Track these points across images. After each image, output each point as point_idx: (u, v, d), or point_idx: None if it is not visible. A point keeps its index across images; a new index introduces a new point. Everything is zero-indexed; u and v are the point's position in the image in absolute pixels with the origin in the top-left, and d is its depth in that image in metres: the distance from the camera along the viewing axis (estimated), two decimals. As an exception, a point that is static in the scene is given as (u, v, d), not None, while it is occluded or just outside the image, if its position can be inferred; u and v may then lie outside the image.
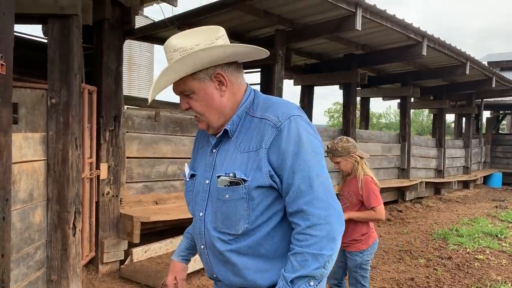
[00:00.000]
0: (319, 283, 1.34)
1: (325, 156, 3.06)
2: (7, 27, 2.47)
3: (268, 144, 1.36)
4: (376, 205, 3.11)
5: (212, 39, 1.38)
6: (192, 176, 1.57)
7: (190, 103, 1.45)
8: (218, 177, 1.41)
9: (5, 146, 2.48)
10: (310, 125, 1.42)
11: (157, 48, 16.62)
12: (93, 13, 4.25)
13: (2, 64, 2.28)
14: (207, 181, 1.48)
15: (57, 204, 3.36)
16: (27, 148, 3.10)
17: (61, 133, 3.34)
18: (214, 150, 1.50)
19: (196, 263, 4.15)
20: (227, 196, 1.39)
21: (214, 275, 1.52)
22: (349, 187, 3.22)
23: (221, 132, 1.46)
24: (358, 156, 3.19)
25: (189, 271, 4.25)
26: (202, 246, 1.51)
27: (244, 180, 1.37)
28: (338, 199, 3.03)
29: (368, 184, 3.13)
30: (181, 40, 1.38)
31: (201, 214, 1.49)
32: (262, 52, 1.45)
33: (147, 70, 16.11)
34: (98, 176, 4.27)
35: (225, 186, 1.39)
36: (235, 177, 1.38)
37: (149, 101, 1.39)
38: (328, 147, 3.18)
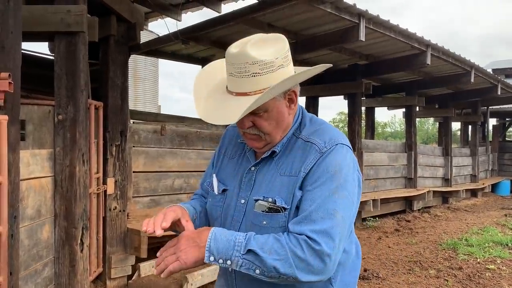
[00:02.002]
0: (261, 274, 1.21)
1: None
2: (15, 46, 2.50)
3: (308, 168, 1.29)
4: None
5: (285, 51, 1.30)
6: (223, 190, 1.46)
7: (258, 122, 1.33)
8: (256, 200, 1.33)
9: (13, 164, 2.49)
10: (353, 158, 1.36)
11: (162, 62, 16.74)
12: (98, 30, 4.29)
13: (10, 83, 2.29)
14: (243, 201, 1.39)
15: (65, 220, 3.36)
16: (35, 165, 3.11)
17: (68, 149, 3.36)
18: (253, 169, 1.41)
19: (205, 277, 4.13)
20: (264, 222, 1.31)
21: None
22: None
23: (269, 153, 1.38)
24: None
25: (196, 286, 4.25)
26: (230, 269, 1.40)
27: (285, 209, 1.29)
28: None
29: None
30: (256, 50, 1.25)
31: None
32: (328, 66, 1.39)
33: (152, 83, 16.21)
34: (105, 191, 4.27)
35: (263, 211, 1.31)
36: (275, 203, 1.30)
37: (236, 120, 1.27)
38: None
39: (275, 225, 1.30)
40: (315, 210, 1.23)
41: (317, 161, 1.29)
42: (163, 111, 12.78)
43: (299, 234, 1.22)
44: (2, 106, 2.34)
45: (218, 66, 1.46)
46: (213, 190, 1.49)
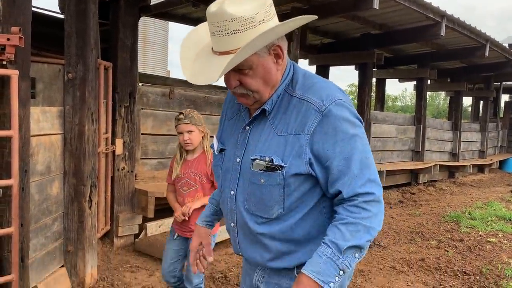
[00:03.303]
0: (360, 256, 1.31)
1: (176, 124, 2.87)
2: (25, 0, 2.49)
3: (311, 130, 1.29)
4: None
5: (267, 5, 1.27)
6: (221, 150, 1.51)
7: (244, 80, 1.32)
8: (253, 160, 1.35)
9: (24, 119, 2.53)
10: (353, 109, 1.36)
11: (172, 26, 16.56)
12: (109, -11, 4.26)
13: (20, 37, 2.30)
14: (238, 160, 1.43)
15: (74, 177, 3.42)
16: (45, 122, 3.15)
17: (78, 107, 3.39)
18: (248, 128, 1.43)
19: (223, 232, 4.24)
20: (262, 180, 1.34)
21: (240, 253, 1.51)
22: (195, 167, 2.89)
23: (259, 111, 1.39)
24: (205, 131, 2.93)
25: (217, 241, 4.39)
26: (232, 224, 1.48)
27: (282, 167, 1.31)
28: (181, 182, 2.89)
29: None
30: (235, 7, 1.22)
31: (232, 192, 1.46)
32: (311, 18, 1.32)
33: (162, 48, 16.09)
34: (114, 152, 4.33)
35: (261, 170, 1.33)
36: (272, 162, 1.32)
37: (216, 79, 1.26)
38: (183, 113, 2.85)
39: (272, 182, 1.33)
40: (351, 166, 1.29)
41: (319, 122, 1.29)
42: (173, 76, 12.74)
43: (354, 196, 1.28)
44: (13, 60, 2.35)
45: (205, 29, 1.41)
46: (214, 151, 1.55)
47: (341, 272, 1.25)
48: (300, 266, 1.39)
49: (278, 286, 1.45)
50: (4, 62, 2.35)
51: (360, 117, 1.39)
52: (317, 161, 1.30)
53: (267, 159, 1.32)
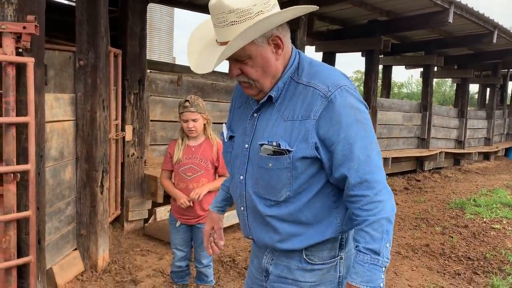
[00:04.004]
0: (391, 243, 1.37)
1: (181, 112, 2.87)
2: (39, -12, 2.53)
3: (317, 115, 1.34)
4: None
5: None
6: (230, 137, 1.57)
7: (244, 69, 1.38)
8: (261, 145, 1.40)
9: (39, 105, 2.58)
10: (358, 95, 1.39)
11: (177, 12, 16.52)
12: (118, -24, 4.28)
13: (36, 25, 2.35)
14: (246, 145, 1.48)
15: (86, 163, 3.50)
16: (58, 108, 3.21)
17: (89, 94, 3.45)
18: (255, 115, 1.48)
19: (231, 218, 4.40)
20: (270, 164, 1.39)
21: (250, 236, 1.57)
22: (201, 153, 2.94)
23: (265, 98, 1.43)
24: (209, 118, 2.98)
25: (224, 226, 4.47)
26: (242, 208, 1.54)
27: (289, 151, 1.36)
28: (184, 168, 2.93)
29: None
30: (233, 0, 1.27)
31: (241, 177, 1.51)
32: (311, 9, 1.37)
33: (167, 34, 16.08)
34: (124, 138, 4.40)
35: (268, 155, 1.38)
36: (279, 147, 1.36)
37: (211, 69, 1.33)
38: (189, 101, 2.87)
39: (280, 166, 1.38)
40: (354, 151, 1.33)
41: (325, 107, 1.33)
42: (178, 63, 12.75)
43: (362, 182, 1.33)
44: (28, 48, 2.40)
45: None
46: (224, 138, 1.61)
47: (384, 269, 1.33)
48: (308, 248, 1.46)
49: (287, 268, 1.51)
50: (20, 50, 2.40)
51: (365, 103, 1.43)
52: (322, 145, 1.35)
53: (274, 143, 1.37)
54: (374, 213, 1.32)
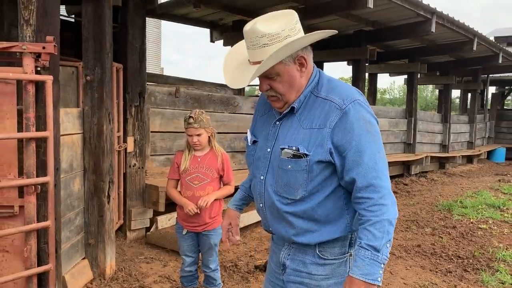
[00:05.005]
0: (391, 244, 1.54)
1: (186, 127, 3.09)
2: (55, 10, 2.69)
3: (332, 124, 1.53)
4: (233, 180, 3.20)
5: (292, 23, 1.52)
6: (254, 142, 1.78)
7: (273, 85, 1.59)
8: (282, 149, 1.60)
9: (56, 120, 2.72)
10: (370, 109, 1.60)
11: (164, 24, 16.66)
12: (119, -7, 4.43)
13: (54, 45, 2.50)
14: (268, 149, 1.68)
15: (93, 174, 3.62)
16: (67, 122, 3.34)
17: (96, 108, 3.58)
18: (278, 123, 1.68)
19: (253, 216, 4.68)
20: (289, 166, 1.59)
21: (270, 229, 1.77)
22: (207, 163, 3.11)
23: (288, 109, 1.64)
24: (213, 131, 3.15)
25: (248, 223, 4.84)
26: (261, 205, 1.74)
27: (306, 155, 1.55)
28: (190, 176, 3.14)
29: (228, 159, 3.18)
30: (265, 25, 1.50)
31: (262, 177, 1.70)
32: (331, 33, 1.58)
33: (155, 45, 16.23)
34: (126, 149, 4.53)
35: (288, 157, 1.58)
36: (298, 151, 1.56)
37: (246, 84, 1.57)
38: (193, 117, 3.00)
39: (298, 168, 1.58)
40: (363, 158, 1.51)
41: (340, 118, 1.53)
42: (176, 74, 12.90)
43: (368, 187, 1.50)
44: (47, 67, 2.55)
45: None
46: (248, 142, 1.82)
47: (382, 265, 1.50)
48: (321, 244, 1.65)
49: (302, 263, 1.70)
50: (38, 69, 2.54)
51: (376, 117, 1.64)
52: (336, 151, 1.54)
53: (294, 148, 1.57)
54: (377, 215, 1.50)
